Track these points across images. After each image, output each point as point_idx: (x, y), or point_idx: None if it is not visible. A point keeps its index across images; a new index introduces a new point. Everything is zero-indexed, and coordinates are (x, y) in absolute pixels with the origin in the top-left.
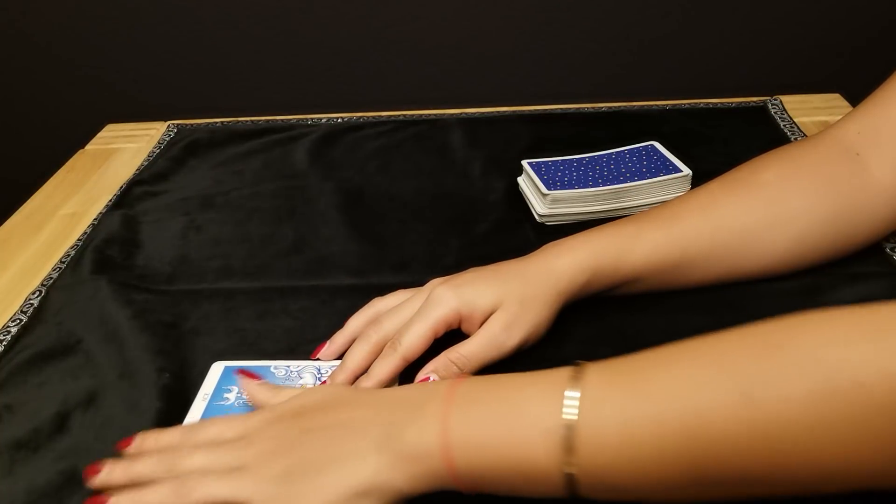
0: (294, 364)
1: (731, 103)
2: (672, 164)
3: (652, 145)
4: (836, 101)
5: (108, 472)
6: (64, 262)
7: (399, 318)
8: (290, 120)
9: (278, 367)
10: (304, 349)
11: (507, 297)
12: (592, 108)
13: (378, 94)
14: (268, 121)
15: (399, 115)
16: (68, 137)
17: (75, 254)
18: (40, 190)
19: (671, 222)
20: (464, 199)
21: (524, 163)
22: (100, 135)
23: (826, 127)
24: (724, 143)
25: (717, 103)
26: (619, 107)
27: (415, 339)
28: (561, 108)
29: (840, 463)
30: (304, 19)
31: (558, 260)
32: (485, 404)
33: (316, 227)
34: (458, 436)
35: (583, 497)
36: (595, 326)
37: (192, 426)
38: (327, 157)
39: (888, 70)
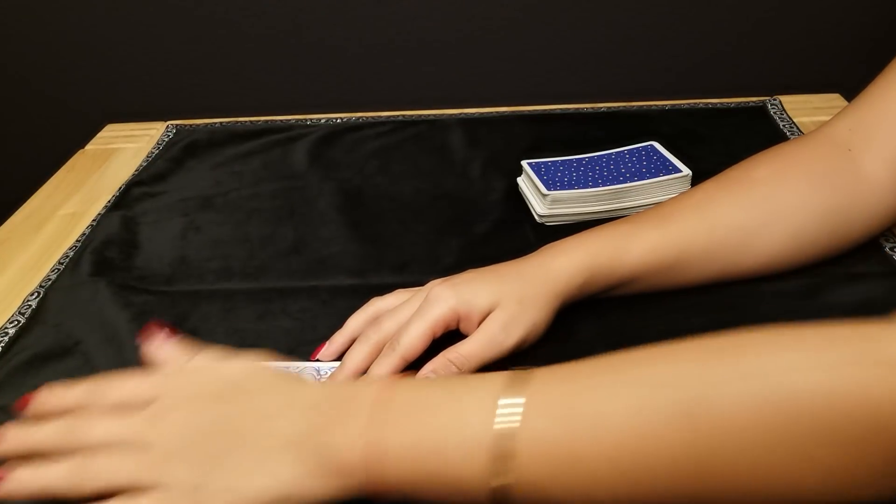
0: (293, 365)
1: (731, 103)
2: (672, 164)
3: (651, 145)
4: (835, 101)
5: (5, 440)
6: (62, 264)
7: (398, 318)
8: (290, 120)
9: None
10: (303, 350)
11: (505, 296)
12: (592, 108)
13: (377, 94)
14: (267, 121)
15: (398, 116)
16: (68, 137)
17: (74, 255)
18: (40, 190)
19: (667, 222)
20: (463, 199)
21: (524, 163)
22: (100, 135)
23: (819, 125)
24: (723, 144)
25: (716, 103)
26: (619, 107)
27: (414, 339)
28: (561, 108)
29: (780, 484)
30: (303, 19)
31: (555, 261)
32: (415, 412)
33: (315, 228)
34: (383, 447)
35: None
36: (595, 326)
37: (101, 382)
38: (327, 158)
39: None
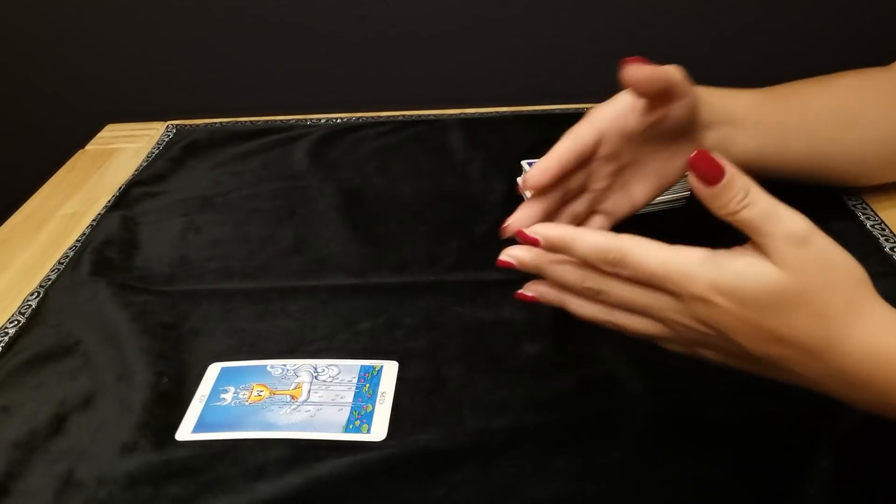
0: (290, 363)
1: None
2: None
3: None
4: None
5: (528, 257)
6: (62, 264)
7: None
8: (290, 120)
9: (274, 367)
10: (303, 350)
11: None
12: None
13: (377, 94)
14: (267, 121)
15: (398, 116)
16: (68, 137)
17: (74, 255)
18: (40, 190)
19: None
20: (463, 199)
21: (524, 163)
22: (100, 135)
23: None
24: None
25: None
26: None
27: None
28: (561, 108)
29: None
30: (303, 19)
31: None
32: None
33: (315, 228)
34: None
35: None
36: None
37: (624, 249)
38: (327, 158)
39: None
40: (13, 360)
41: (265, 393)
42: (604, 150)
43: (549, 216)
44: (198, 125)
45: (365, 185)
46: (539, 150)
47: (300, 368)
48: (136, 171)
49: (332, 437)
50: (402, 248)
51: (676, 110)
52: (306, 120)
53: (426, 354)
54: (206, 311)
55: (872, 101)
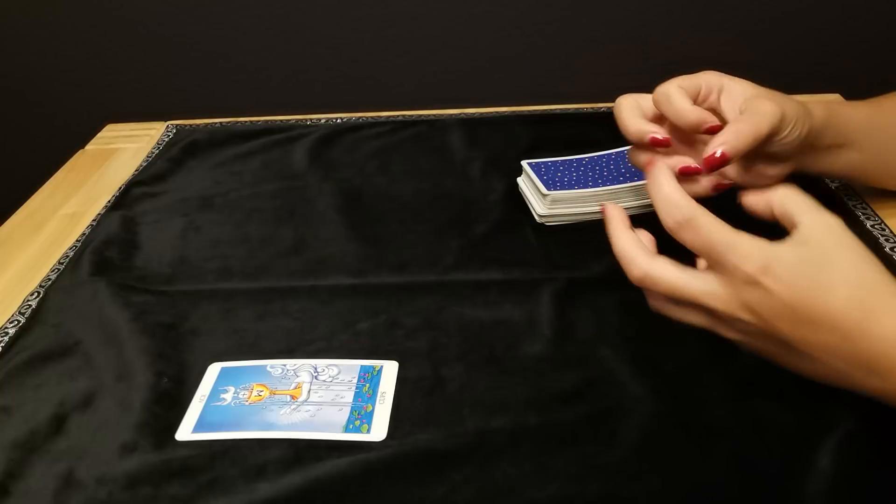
0: (290, 363)
1: None
2: None
3: None
4: (836, 101)
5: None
6: (62, 264)
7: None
8: (289, 120)
9: (274, 367)
10: (303, 350)
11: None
12: (592, 108)
13: (377, 94)
14: (267, 121)
15: (398, 116)
16: (68, 137)
17: (74, 255)
18: (40, 190)
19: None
20: (463, 199)
21: (524, 163)
22: (100, 135)
23: None
24: None
25: None
26: None
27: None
28: (561, 109)
29: None
30: (303, 19)
31: (803, 102)
32: None
33: (315, 228)
34: None
35: None
36: (595, 326)
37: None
38: (326, 158)
39: (888, 70)
40: (13, 360)
41: (265, 393)
42: None
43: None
44: (198, 125)
45: (365, 185)
46: (539, 150)
47: (300, 368)
48: (136, 171)
49: (332, 437)
50: (402, 248)
51: (776, 147)
52: (306, 120)
53: (426, 354)
54: (206, 311)
55: None
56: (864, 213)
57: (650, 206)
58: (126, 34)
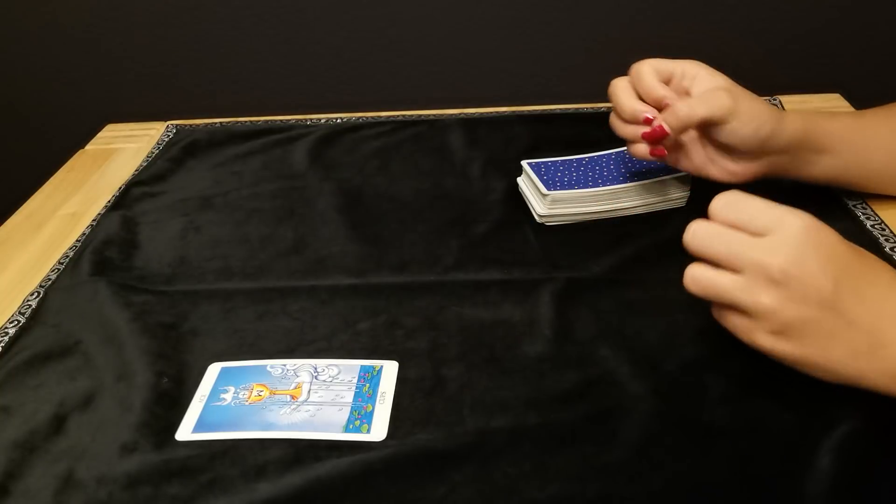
0: (290, 363)
1: None
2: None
3: None
4: (835, 101)
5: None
6: (62, 264)
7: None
8: (289, 120)
9: (274, 367)
10: (303, 350)
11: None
12: (592, 108)
13: (377, 94)
14: (267, 121)
15: (398, 116)
16: (68, 137)
17: (74, 255)
18: (40, 190)
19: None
20: (463, 199)
21: (524, 163)
22: (100, 135)
23: None
24: None
25: None
26: None
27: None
28: (561, 108)
29: None
30: (303, 19)
31: (781, 111)
32: None
33: (315, 228)
34: None
35: None
36: (595, 326)
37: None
38: (326, 158)
39: (888, 70)
40: (13, 360)
41: (265, 393)
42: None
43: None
44: (198, 125)
45: (365, 185)
46: (539, 150)
47: (300, 368)
48: (136, 171)
49: (332, 437)
50: (402, 248)
51: (731, 139)
52: (306, 120)
53: (426, 354)
54: (206, 311)
55: None
56: (863, 213)
57: (650, 204)
58: (126, 34)
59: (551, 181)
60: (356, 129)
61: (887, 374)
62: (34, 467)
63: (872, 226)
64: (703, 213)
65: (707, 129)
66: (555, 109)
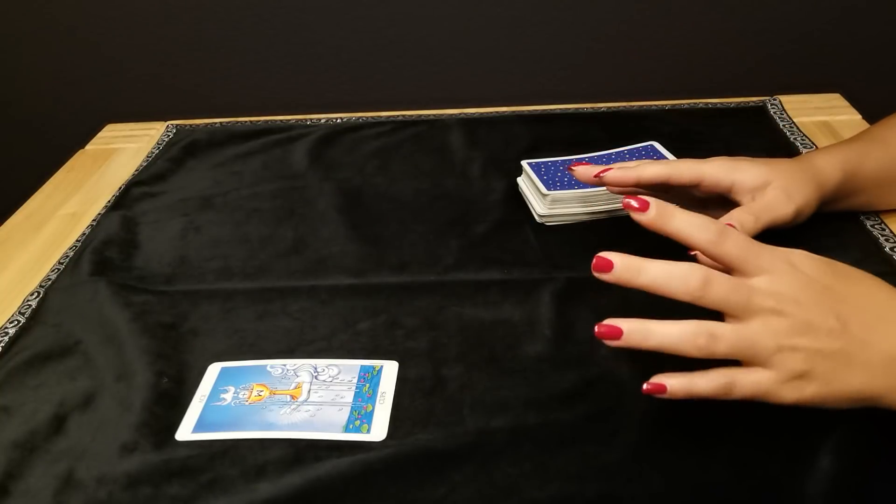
0: (290, 363)
1: (731, 103)
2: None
3: (651, 145)
4: (835, 100)
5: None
6: (62, 264)
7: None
8: (289, 120)
9: (274, 367)
10: (303, 350)
11: (777, 175)
12: (592, 108)
13: (377, 94)
14: (267, 121)
15: (398, 116)
16: (68, 137)
17: (74, 255)
18: (40, 190)
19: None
20: (463, 199)
21: (524, 163)
22: (100, 135)
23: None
24: (723, 144)
25: (716, 103)
26: (619, 107)
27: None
28: (561, 108)
29: None
30: (303, 19)
31: (816, 158)
32: None
33: (315, 228)
34: None
35: None
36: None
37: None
38: (326, 158)
39: (888, 70)
40: (13, 360)
41: (265, 393)
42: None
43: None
44: (198, 125)
45: (365, 185)
46: (539, 150)
47: (300, 368)
48: (136, 171)
49: (332, 437)
50: (402, 248)
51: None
52: (306, 120)
53: (426, 354)
54: (206, 311)
55: None
56: (863, 213)
57: None
58: (126, 34)
59: (551, 181)
60: (356, 129)
61: None
62: (34, 467)
63: (872, 226)
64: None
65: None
66: (555, 109)
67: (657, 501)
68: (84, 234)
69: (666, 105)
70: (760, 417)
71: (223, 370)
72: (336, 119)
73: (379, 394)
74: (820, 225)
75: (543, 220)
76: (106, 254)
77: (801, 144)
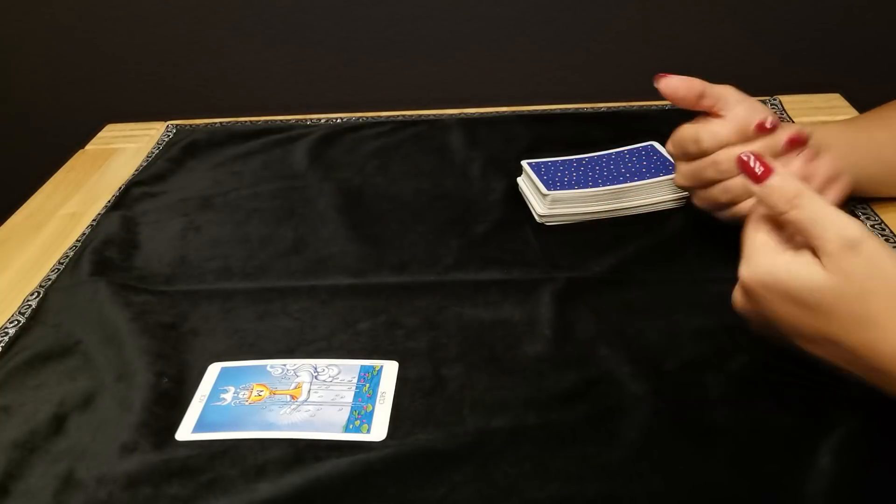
0: (290, 363)
1: None
2: (672, 164)
3: (651, 145)
4: (835, 100)
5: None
6: (62, 264)
7: None
8: (289, 120)
9: (274, 367)
10: (303, 350)
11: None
12: (592, 108)
13: (377, 94)
14: (267, 121)
15: (398, 116)
16: (68, 137)
17: (74, 255)
18: (40, 190)
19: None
20: (463, 199)
21: (524, 163)
22: (100, 135)
23: None
24: None
25: None
26: (619, 107)
27: None
28: (561, 108)
29: None
30: (303, 19)
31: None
32: None
33: (315, 228)
34: None
35: None
36: (595, 326)
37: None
38: (326, 158)
39: (888, 70)
40: (13, 360)
41: (265, 393)
42: None
43: None
44: (198, 125)
45: (365, 185)
46: (539, 150)
47: (300, 368)
48: (136, 171)
49: (332, 437)
50: (402, 248)
51: None
52: (306, 120)
53: (426, 354)
54: (206, 311)
55: None
56: (863, 213)
57: (650, 204)
58: (125, 34)
59: (551, 181)
60: (356, 129)
61: None
62: (34, 467)
63: (872, 226)
64: (702, 213)
65: None
66: (555, 109)
67: (657, 501)
68: (84, 234)
69: (666, 105)
70: (761, 417)
71: (223, 370)
72: (336, 119)
73: (379, 394)
74: None
75: (543, 220)
76: (106, 254)
77: None
